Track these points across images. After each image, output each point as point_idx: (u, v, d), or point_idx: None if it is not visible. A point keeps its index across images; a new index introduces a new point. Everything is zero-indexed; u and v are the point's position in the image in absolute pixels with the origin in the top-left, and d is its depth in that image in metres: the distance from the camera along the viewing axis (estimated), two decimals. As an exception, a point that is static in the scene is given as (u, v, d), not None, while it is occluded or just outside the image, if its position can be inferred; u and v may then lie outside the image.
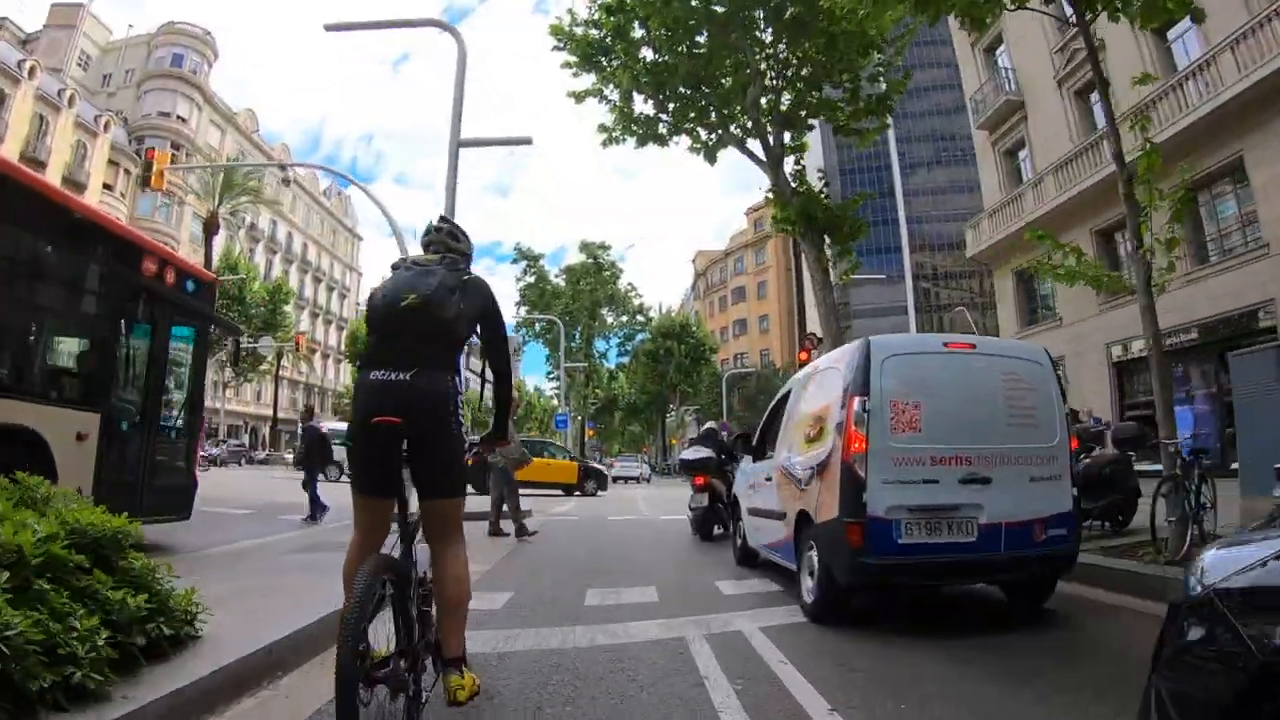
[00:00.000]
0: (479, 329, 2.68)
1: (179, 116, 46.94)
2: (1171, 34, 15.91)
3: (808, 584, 4.54)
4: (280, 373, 52.65)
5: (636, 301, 48.79)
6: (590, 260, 46.48)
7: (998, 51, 23.04)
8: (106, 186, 42.00)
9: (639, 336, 49.95)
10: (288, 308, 46.48)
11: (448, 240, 2.79)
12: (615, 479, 31.53)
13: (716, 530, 9.25)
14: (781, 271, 69.85)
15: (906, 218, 59.98)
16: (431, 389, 2.40)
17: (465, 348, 2.76)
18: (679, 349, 47.40)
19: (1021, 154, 21.80)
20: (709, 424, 11.83)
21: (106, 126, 41.96)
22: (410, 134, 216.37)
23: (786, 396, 5.89)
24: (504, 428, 2.93)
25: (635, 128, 14.02)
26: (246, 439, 51.83)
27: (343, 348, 62.40)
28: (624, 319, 48.90)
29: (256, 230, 56.05)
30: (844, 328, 18.44)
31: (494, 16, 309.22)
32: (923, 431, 4.15)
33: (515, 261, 45.47)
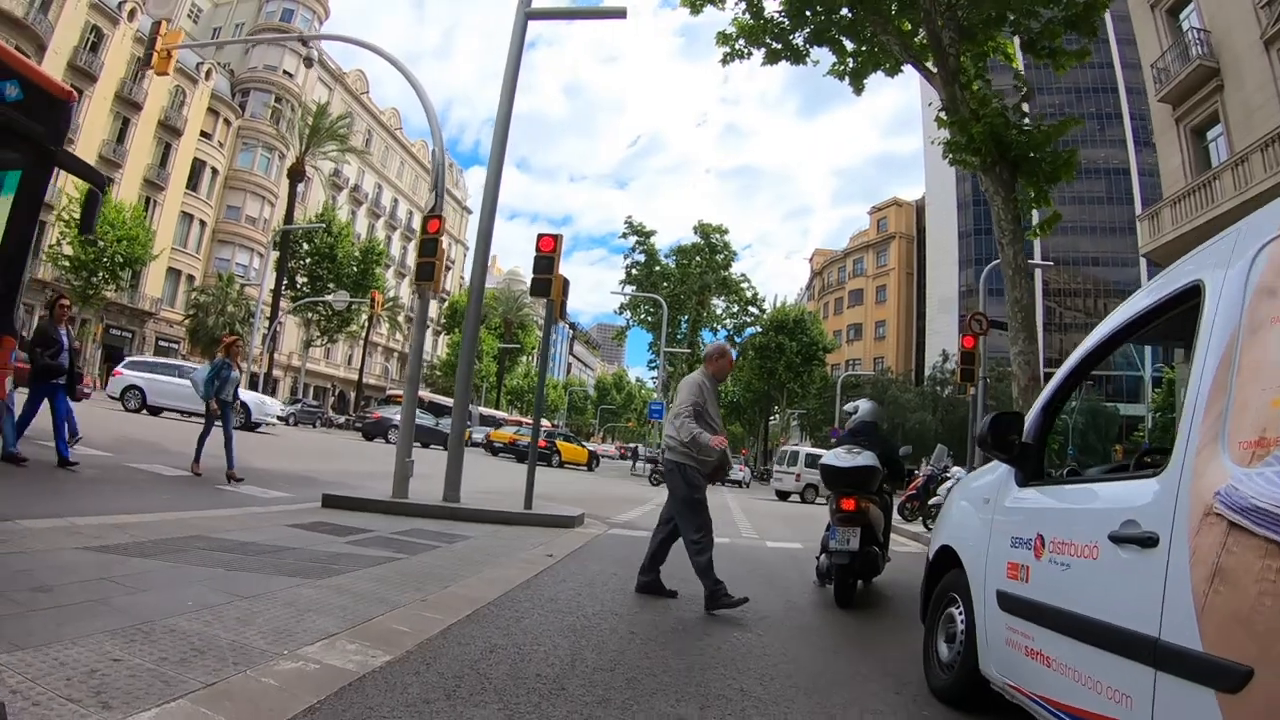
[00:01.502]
0: None
1: (285, 71, 46.77)
2: None
3: None
4: (374, 338, 52.04)
5: (749, 292, 43.36)
6: (703, 241, 41.98)
7: (1183, 13, 19.35)
8: (204, 134, 42.06)
9: (749, 330, 44.92)
10: (380, 270, 45.48)
11: None
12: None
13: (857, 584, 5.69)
14: (902, 276, 65.34)
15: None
16: None
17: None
18: (790, 345, 43.20)
19: (1213, 131, 18.06)
20: (863, 405, 6.11)
21: (208, 75, 42.03)
22: (533, 118, 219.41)
23: (1195, 290, 2.03)
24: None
25: (765, 36, 11.33)
26: (331, 402, 51.44)
27: (441, 319, 61.96)
28: (734, 309, 43.69)
29: (360, 193, 55.89)
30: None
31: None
32: None
33: (625, 236, 41.59)
